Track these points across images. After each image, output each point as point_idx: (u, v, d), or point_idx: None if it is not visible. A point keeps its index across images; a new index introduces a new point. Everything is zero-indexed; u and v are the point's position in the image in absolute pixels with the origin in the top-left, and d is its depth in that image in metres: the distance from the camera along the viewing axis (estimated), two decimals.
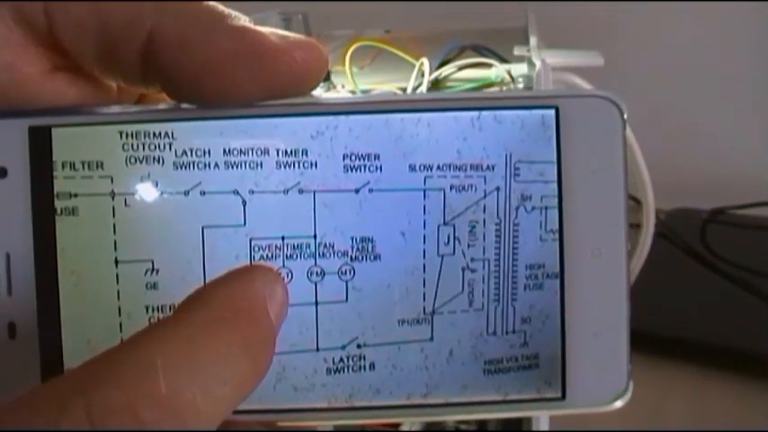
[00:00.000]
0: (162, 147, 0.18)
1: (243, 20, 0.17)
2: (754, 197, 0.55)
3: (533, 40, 0.40)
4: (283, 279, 0.17)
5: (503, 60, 0.40)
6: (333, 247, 0.19)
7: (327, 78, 0.41)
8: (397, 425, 0.37)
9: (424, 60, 0.39)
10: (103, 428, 0.12)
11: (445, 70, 0.39)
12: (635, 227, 0.42)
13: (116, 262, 0.18)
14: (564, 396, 0.19)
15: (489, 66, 0.39)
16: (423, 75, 0.39)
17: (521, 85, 0.38)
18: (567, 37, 0.41)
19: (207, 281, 0.18)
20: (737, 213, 0.55)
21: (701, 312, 0.46)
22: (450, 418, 0.23)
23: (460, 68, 0.39)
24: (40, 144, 0.18)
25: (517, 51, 0.40)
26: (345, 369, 0.19)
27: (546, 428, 0.35)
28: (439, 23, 0.47)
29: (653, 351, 0.43)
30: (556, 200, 0.19)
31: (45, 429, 0.12)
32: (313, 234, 0.18)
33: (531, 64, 0.38)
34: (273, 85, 0.17)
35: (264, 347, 0.15)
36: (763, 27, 0.58)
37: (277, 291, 0.16)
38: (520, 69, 0.39)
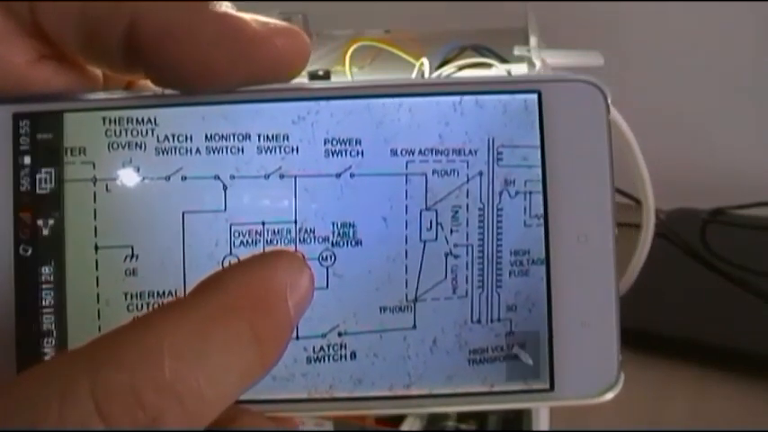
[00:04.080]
0: (144, 132, 0.18)
1: (224, 6, 0.17)
2: (754, 197, 0.55)
3: (533, 40, 0.40)
4: (310, 268, 0.16)
5: (503, 60, 0.40)
6: (313, 233, 0.18)
7: (327, 77, 0.41)
8: (398, 425, 0.37)
9: (424, 60, 0.39)
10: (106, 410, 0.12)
11: (445, 70, 0.39)
12: (635, 227, 0.42)
13: (96, 248, 0.18)
14: (552, 387, 0.18)
15: (489, 66, 0.39)
16: (423, 75, 0.39)
17: None
18: (567, 37, 0.41)
19: (186, 267, 0.18)
20: (737, 213, 0.56)
21: (700, 312, 0.46)
22: (435, 410, 0.22)
23: (460, 69, 0.39)
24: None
25: (517, 51, 0.40)
26: (326, 358, 0.18)
27: (546, 428, 0.35)
28: (439, 23, 0.47)
29: (653, 351, 0.43)
30: (540, 184, 0.18)
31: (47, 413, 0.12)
32: (294, 219, 0.18)
33: (531, 64, 0.38)
34: (254, 72, 0.17)
35: (277, 339, 0.15)
36: (763, 27, 0.58)
37: (301, 280, 0.15)
38: (520, 69, 0.39)
